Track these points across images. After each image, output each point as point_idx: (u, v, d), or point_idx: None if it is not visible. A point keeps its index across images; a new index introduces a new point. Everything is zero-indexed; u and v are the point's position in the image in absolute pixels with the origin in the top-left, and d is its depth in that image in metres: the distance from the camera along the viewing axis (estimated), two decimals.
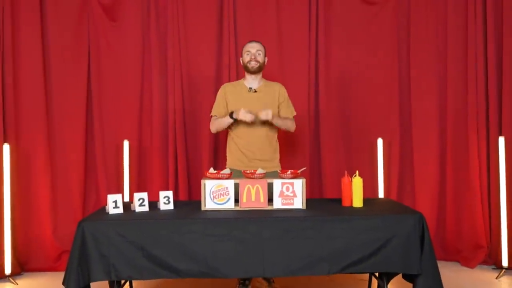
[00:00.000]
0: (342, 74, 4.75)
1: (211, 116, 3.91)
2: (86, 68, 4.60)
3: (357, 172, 3.39)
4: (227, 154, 3.95)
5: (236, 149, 3.85)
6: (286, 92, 3.94)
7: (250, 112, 3.64)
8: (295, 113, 3.95)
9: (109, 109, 4.65)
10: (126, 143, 4.42)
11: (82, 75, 4.59)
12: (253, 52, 3.80)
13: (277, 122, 3.78)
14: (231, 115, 3.72)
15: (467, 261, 4.50)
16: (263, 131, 3.80)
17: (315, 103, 4.73)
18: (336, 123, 4.74)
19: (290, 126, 3.89)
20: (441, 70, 4.68)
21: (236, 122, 3.76)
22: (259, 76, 3.88)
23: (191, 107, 4.67)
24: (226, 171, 3.35)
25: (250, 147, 3.79)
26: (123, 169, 4.43)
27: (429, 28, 4.68)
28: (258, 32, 4.67)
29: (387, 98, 4.74)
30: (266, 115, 3.66)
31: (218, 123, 3.83)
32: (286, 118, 3.86)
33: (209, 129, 4.45)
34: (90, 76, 4.61)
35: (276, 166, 3.86)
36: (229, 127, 3.87)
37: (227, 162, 3.93)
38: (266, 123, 3.77)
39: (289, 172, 3.32)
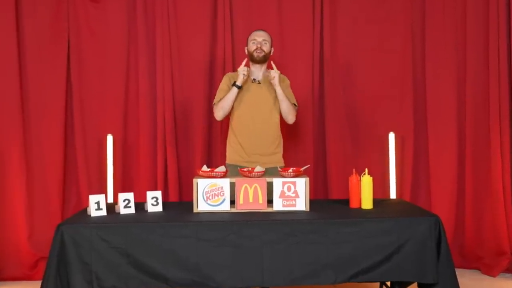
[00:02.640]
0: (349, 62, 4.75)
1: (214, 104, 3.95)
2: (65, 55, 4.58)
3: (366, 170, 3.39)
4: (227, 148, 4.02)
5: (235, 141, 3.92)
6: (289, 83, 4.04)
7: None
8: (297, 104, 3.99)
9: (91, 101, 4.63)
10: (109, 138, 4.40)
11: (60, 63, 4.58)
12: (259, 41, 3.91)
13: (281, 93, 3.84)
14: (234, 84, 3.83)
15: (489, 269, 4.50)
16: (264, 121, 3.88)
17: (319, 94, 4.73)
18: (343, 116, 4.74)
19: (291, 110, 3.91)
20: (460, 58, 4.68)
21: (236, 111, 3.87)
22: (264, 66, 3.99)
23: (182, 98, 4.66)
24: (221, 168, 3.35)
25: (250, 139, 3.86)
26: (106, 166, 4.40)
27: (447, 11, 4.67)
28: (256, 15, 4.66)
29: (399, 88, 4.73)
30: (275, 71, 3.79)
31: (222, 103, 3.87)
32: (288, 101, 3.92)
33: (203, 123, 4.51)
34: (70, 64, 4.59)
35: (279, 162, 3.91)
36: (230, 117, 3.95)
37: (227, 157, 4.00)
38: (269, 110, 3.86)
39: (290, 170, 3.32)
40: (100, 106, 4.64)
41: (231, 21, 4.65)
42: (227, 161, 3.95)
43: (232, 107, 3.90)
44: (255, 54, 3.91)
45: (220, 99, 3.88)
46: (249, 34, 4.02)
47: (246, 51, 4.01)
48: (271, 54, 3.99)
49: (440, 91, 4.68)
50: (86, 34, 4.62)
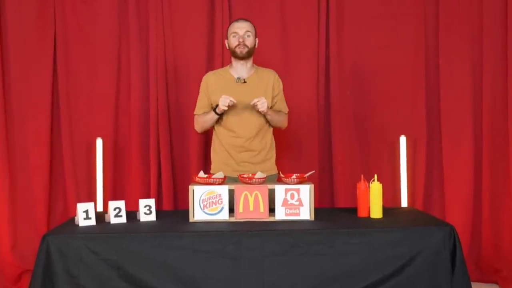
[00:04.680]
0: (357, 61, 4.75)
1: (195, 115, 3.89)
2: (51, 54, 4.58)
3: (375, 176, 3.39)
4: (212, 156, 3.93)
5: (221, 148, 3.83)
6: (281, 82, 3.92)
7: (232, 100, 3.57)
8: (287, 110, 3.94)
9: (79, 101, 4.64)
10: (99, 142, 4.41)
11: (47, 63, 4.58)
12: (240, 34, 3.74)
13: (272, 116, 3.76)
14: (214, 109, 3.69)
15: (507, 283, 4.49)
16: (254, 124, 3.77)
17: (325, 95, 4.73)
18: (351, 119, 4.74)
19: (284, 122, 3.90)
20: (476, 55, 4.68)
21: (223, 114, 3.75)
22: (249, 62, 3.84)
23: (177, 99, 4.66)
24: (219, 174, 3.35)
25: (238, 145, 3.77)
26: (95, 172, 4.42)
27: (462, 5, 4.67)
28: (256, 10, 4.66)
29: (411, 87, 4.73)
30: (262, 105, 3.58)
31: (202, 122, 3.82)
32: (279, 112, 3.87)
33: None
34: (57, 64, 4.60)
35: (271, 169, 3.84)
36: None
37: (212, 166, 3.90)
38: (257, 114, 3.74)
39: (294, 176, 3.31)
40: (89, 106, 4.64)
41: (229, 15, 4.63)
42: (212, 171, 3.77)
43: None
44: (237, 50, 3.72)
45: (203, 112, 3.80)
46: (229, 26, 3.90)
47: (226, 45, 3.88)
48: (256, 47, 3.84)
49: (454, 89, 4.68)
50: (74, 32, 4.63)
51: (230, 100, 3.56)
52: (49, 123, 4.58)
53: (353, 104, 4.75)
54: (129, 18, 4.63)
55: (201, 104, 3.84)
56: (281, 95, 3.90)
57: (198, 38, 4.67)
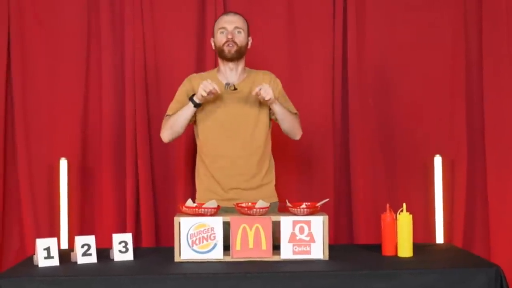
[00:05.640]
0: (381, 64, 4.78)
1: (166, 115, 3.88)
2: (4, 55, 4.60)
3: (404, 205, 3.40)
4: (196, 183, 3.97)
5: (206, 173, 3.85)
6: (279, 82, 3.95)
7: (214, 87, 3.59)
8: (296, 110, 3.93)
9: (39, 114, 4.66)
10: (63, 163, 4.40)
11: None
12: (230, 30, 3.77)
13: (283, 112, 3.73)
14: (191, 98, 3.70)
15: None
16: (245, 143, 3.78)
17: (342, 106, 4.75)
18: (373, 134, 4.77)
19: (297, 125, 3.87)
20: None
21: (203, 129, 3.79)
22: (240, 66, 3.87)
23: (159, 111, 4.61)
24: (212, 203, 3.33)
25: (227, 168, 3.78)
26: (59, 201, 4.40)
27: None
28: (257, 1, 4.70)
29: (448, 96, 4.76)
30: (266, 92, 3.58)
31: (172, 120, 3.78)
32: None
33: (186, 144, 4.47)
34: (11, 67, 4.62)
35: (271, 196, 3.85)
36: (196, 138, 3.89)
37: (196, 195, 3.93)
38: (251, 126, 3.78)
39: (303, 205, 3.32)
40: (51, 119, 4.66)
41: (224, 9, 4.63)
42: (197, 201, 3.74)
43: (196, 124, 3.86)
44: (225, 49, 3.76)
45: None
46: (215, 21, 3.94)
47: (212, 44, 3.92)
48: (249, 46, 3.89)
49: (501, 101, 4.71)
50: (33, 26, 4.65)
51: (214, 88, 3.57)
52: (1, 141, 4.60)
53: (376, 117, 4.78)
54: (101, 11, 4.65)
55: (178, 105, 3.82)
56: (283, 97, 3.90)
57: (185, 37, 4.70)
